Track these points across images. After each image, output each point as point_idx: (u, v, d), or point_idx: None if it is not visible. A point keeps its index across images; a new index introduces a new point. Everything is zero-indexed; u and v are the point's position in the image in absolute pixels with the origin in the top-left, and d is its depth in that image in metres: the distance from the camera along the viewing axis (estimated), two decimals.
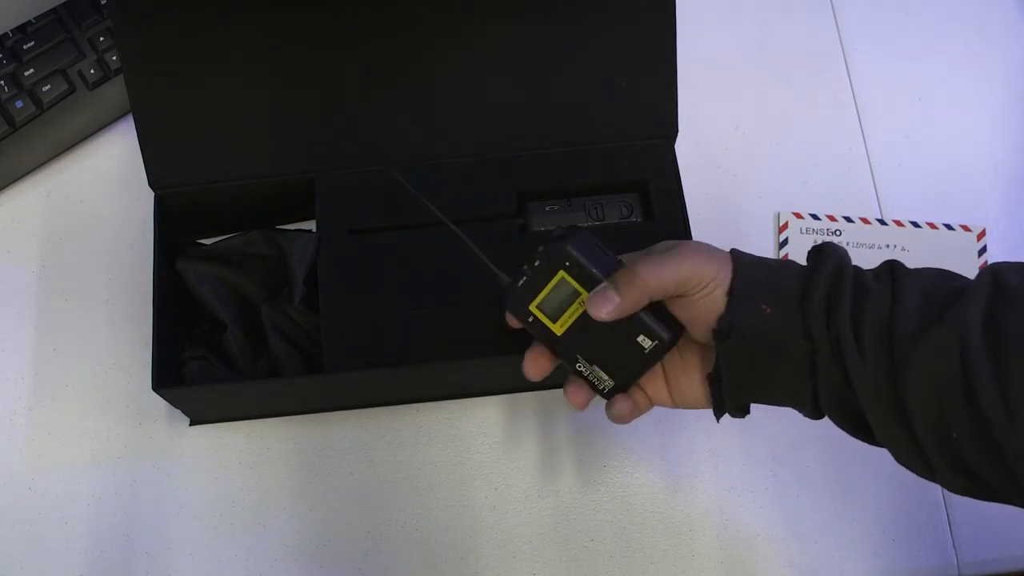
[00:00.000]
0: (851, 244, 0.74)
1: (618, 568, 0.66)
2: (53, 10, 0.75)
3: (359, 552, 0.66)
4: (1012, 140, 0.78)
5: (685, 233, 0.66)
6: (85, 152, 0.76)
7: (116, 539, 0.67)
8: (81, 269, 0.73)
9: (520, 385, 0.69)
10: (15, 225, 0.74)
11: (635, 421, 0.69)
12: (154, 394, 0.62)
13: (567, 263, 0.54)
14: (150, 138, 0.65)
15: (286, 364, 0.66)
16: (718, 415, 0.55)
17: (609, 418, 0.56)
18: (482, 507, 0.67)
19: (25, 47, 0.73)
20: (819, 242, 0.62)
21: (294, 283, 0.66)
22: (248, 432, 0.69)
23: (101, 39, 0.74)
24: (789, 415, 0.70)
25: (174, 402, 0.66)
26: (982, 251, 0.74)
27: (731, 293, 0.50)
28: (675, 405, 0.57)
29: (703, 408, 0.55)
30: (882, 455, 0.69)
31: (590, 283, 0.53)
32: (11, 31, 0.74)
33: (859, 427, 0.50)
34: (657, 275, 0.51)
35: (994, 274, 0.47)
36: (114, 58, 0.74)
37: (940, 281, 0.49)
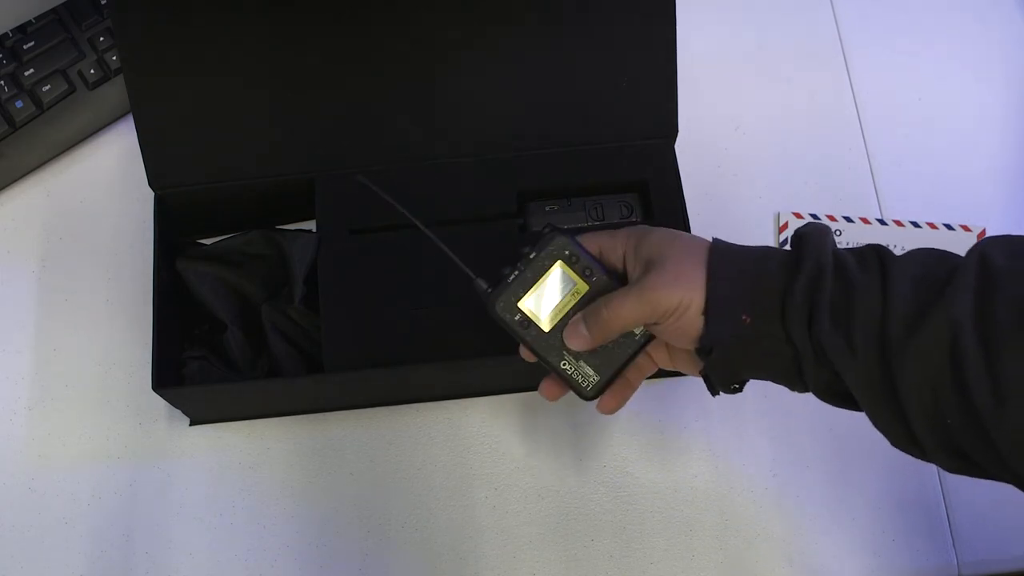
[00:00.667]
0: (851, 244, 0.74)
1: (618, 568, 0.66)
2: (53, 10, 0.75)
3: (359, 552, 0.66)
4: (1012, 140, 0.78)
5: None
6: (85, 152, 0.76)
7: (116, 539, 0.66)
8: (81, 269, 0.73)
9: (520, 385, 0.69)
10: (15, 225, 0.74)
11: (635, 421, 0.70)
12: (154, 394, 0.62)
13: (567, 252, 0.54)
14: (150, 138, 0.65)
15: (286, 364, 0.66)
16: (712, 394, 0.54)
17: (599, 411, 0.56)
18: (482, 507, 0.67)
19: (25, 47, 0.73)
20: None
21: (294, 283, 0.66)
22: (248, 432, 0.69)
23: (101, 39, 0.74)
24: (789, 416, 0.70)
25: (174, 402, 0.66)
26: None
27: (707, 313, 0.49)
28: (672, 367, 0.56)
29: (697, 376, 0.55)
30: (882, 455, 0.70)
31: (587, 273, 0.54)
32: (11, 31, 0.74)
33: (851, 404, 0.50)
34: (620, 316, 0.52)
35: (981, 256, 0.46)
36: (114, 58, 0.74)
37: (930, 264, 0.48)
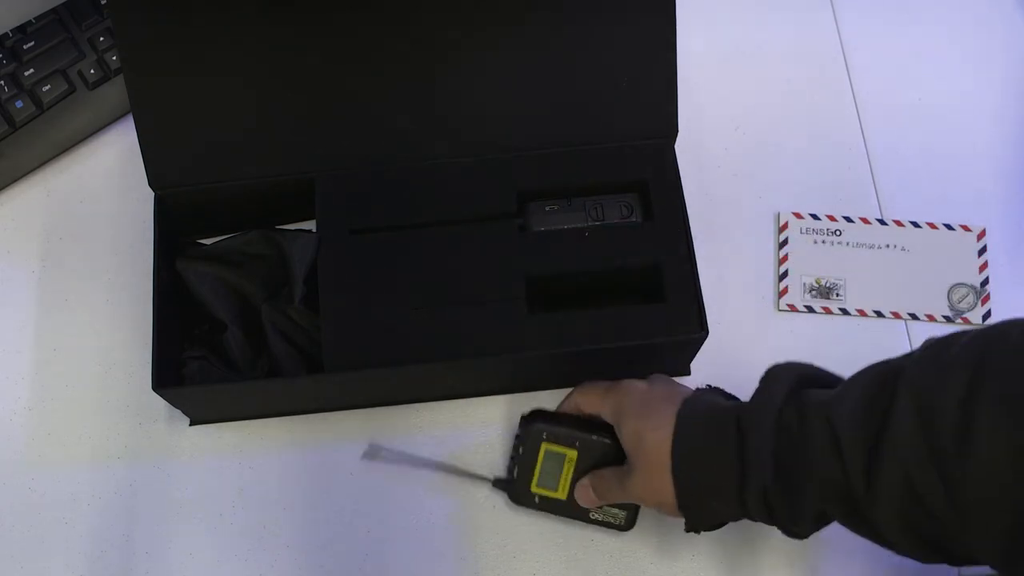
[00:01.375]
0: (851, 244, 0.74)
1: (618, 568, 0.66)
2: (53, 10, 0.75)
3: (359, 552, 0.66)
4: (1012, 140, 0.78)
5: (685, 233, 0.65)
6: (85, 152, 0.76)
7: (116, 539, 0.67)
8: (81, 269, 0.73)
9: (520, 385, 0.69)
10: (15, 225, 0.74)
11: None
12: (154, 394, 0.62)
13: (544, 435, 0.64)
14: (150, 138, 0.65)
15: (286, 364, 0.66)
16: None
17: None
18: (482, 507, 0.67)
19: (25, 47, 0.73)
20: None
21: (294, 283, 0.66)
22: (248, 432, 0.69)
23: (101, 39, 0.74)
24: None
25: (174, 402, 0.66)
26: (982, 251, 0.74)
27: (681, 507, 0.57)
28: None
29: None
30: None
31: (569, 441, 0.64)
32: (11, 31, 0.74)
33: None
34: (611, 499, 0.63)
35: (910, 388, 0.48)
36: (114, 58, 0.74)
37: (864, 409, 0.50)
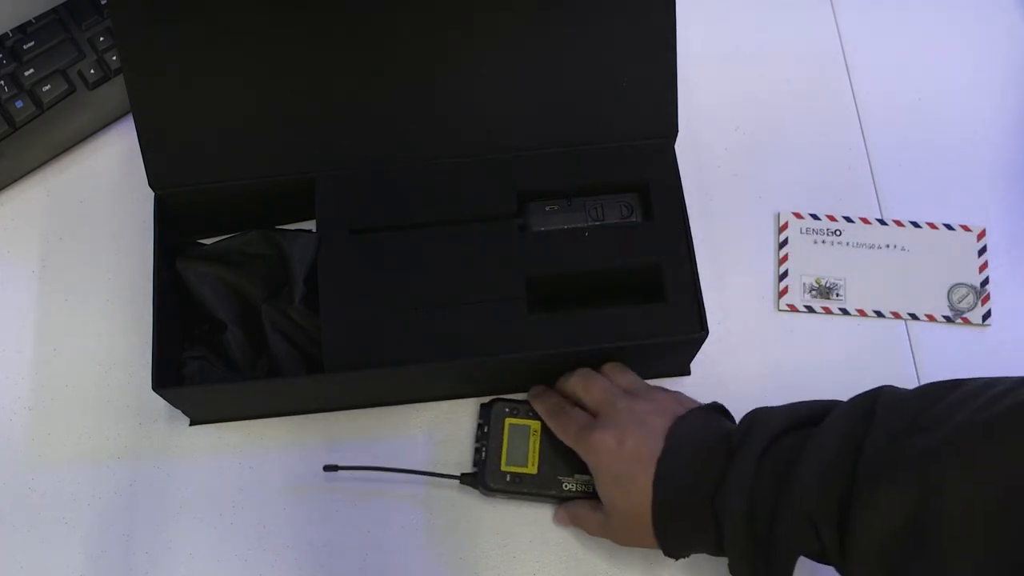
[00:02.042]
0: (851, 244, 0.74)
1: (618, 568, 0.66)
2: (53, 10, 0.75)
3: (359, 553, 0.66)
4: (1012, 140, 0.78)
5: (685, 233, 0.65)
6: (85, 152, 0.76)
7: (116, 539, 0.67)
8: (81, 269, 0.73)
9: (520, 385, 0.69)
10: (15, 225, 0.74)
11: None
12: (154, 394, 0.62)
13: (506, 409, 0.66)
14: (150, 138, 0.65)
15: (286, 364, 0.66)
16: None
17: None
18: (481, 508, 0.67)
19: (25, 47, 0.73)
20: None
21: (294, 283, 0.66)
22: (248, 432, 0.69)
23: (101, 39, 0.74)
24: None
25: (174, 402, 0.66)
26: (982, 251, 0.74)
27: (666, 555, 0.59)
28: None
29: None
30: None
31: (532, 413, 0.66)
32: (11, 31, 0.74)
33: None
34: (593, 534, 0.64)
35: (860, 452, 0.50)
36: (114, 58, 0.74)
37: (833, 470, 0.51)
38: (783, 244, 0.74)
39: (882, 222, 0.75)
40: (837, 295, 0.73)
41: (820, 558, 0.53)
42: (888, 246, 0.74)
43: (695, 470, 0.56)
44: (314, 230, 0.67)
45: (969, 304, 0.72)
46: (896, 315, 0.72)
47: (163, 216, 0.66)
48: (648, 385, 0.65)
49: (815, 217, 0.75)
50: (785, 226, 0.75)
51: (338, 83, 0.66)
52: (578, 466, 0.64)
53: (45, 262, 0.73)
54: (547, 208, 0.67)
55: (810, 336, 0.72)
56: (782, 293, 0.73)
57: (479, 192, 0.66)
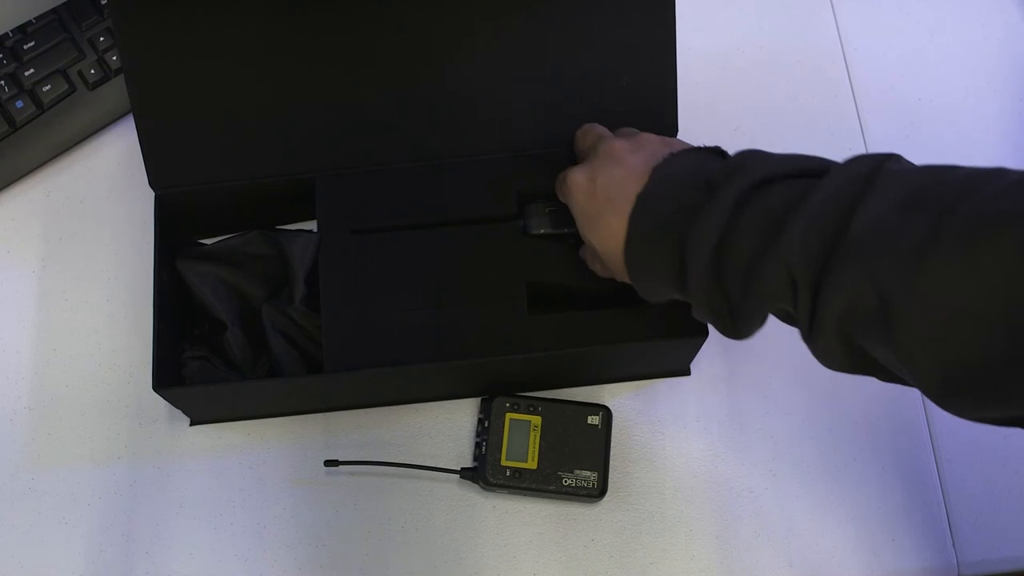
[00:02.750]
0: None
1: (618, 568, 0.66)
2: (53, 10, 0.75)
3: (359, 552, 0.66)
4: (1012, 141, 0.78)
5: None
6: (85, 152, 0.76)
7: (116, 539, 0.67)
8: (81, 269, 0.73)
9: (519, 385, 0.69)
10: (15, 225, 0.74)
11: (635, 421, 0.70)
12: (154, 394, 0.62)
13: (507, 404, 0.66)
14: (151, 138, 0.65)
15: (286, 364, 0.66)
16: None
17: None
18: (482, 507, 0.67)
19: (25, 47, 0.73)
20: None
21: (294, 283, 0.66)
22: (248, 432, 0.69)
23: (101, 39, 0.74)
24: (789, 416, 0.70)
25: (174, 402, 0.66)
26: None
27: (636, 289, 0.57)
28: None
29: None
30: (883, 456, 0.70)
31: (532, 408, 0.66)
32: (11, 31, 0.74)
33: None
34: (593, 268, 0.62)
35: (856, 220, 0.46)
36: (114, 58, 0.74)
37: (819, 235, 0.46)
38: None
39: None
40: None
41: (787, 319, 0.51)
42: None
43: (671, 207, 0.52)
44: (314, 230, 0.67)
45: None
46: None
47: (163, 216, 0.66)
48: (643, 133, 0.61)
49: None
50: None
51: (339, 83, 0.66)
52: (578, 461, 0.65)
53: (45, 262, 0.73)
54: (547, 209, 0.66)
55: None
56: None
57: (479, 192, 0.66)
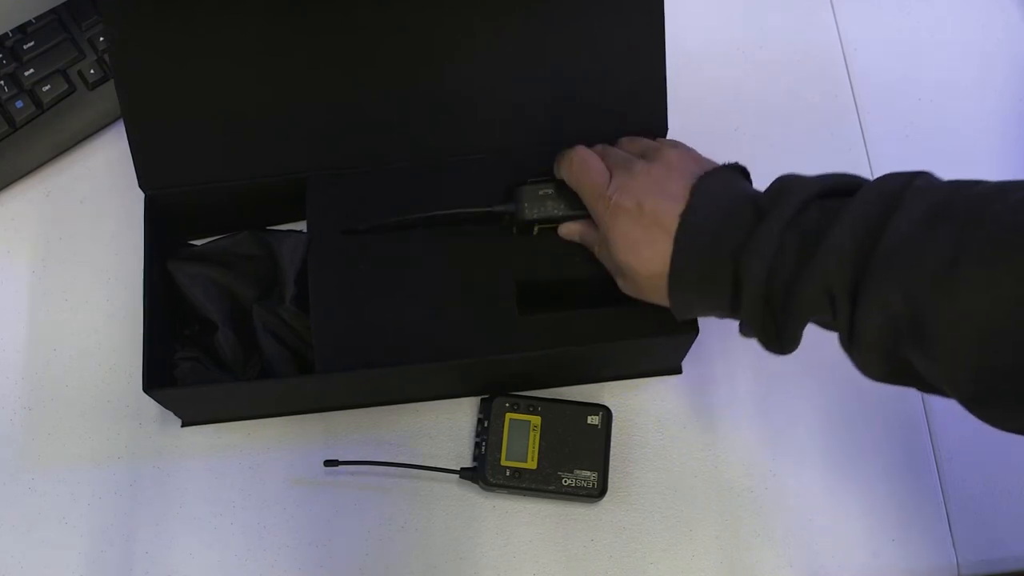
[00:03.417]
0: None
1: (618, 568, 0.66)
2: (53, 10, 0.75)
3: (359, 552, 0.66)
4: (1012, 141, 0.78)
5: None
6: (85, 152, 0.76)
7: (116, 539, 0.67)
8: (81, 269, 0.73)
9: (514, 385, 0.69)
10: (15, 225, 0.74)
11: (635, 420, 0.69)
12: None
13: (507, 404, 0.66)
14: (140, 139, 0.65)
15: (277, 364, 0.66)
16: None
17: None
18: (482, 507, 0.67)
19: (25, 47, 0.73)
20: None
21: (284, 283, 0.66)
22: (248, 432, 0.69)
23: (101, 39, 0.74)
24: (789, 416, 0.70)
25: (164, 403, 0.66)
26: None
27: (672, 306, 0.57)
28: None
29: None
30: (883, 455, 0.69)
31: (531, 408, 0.66)
32: (11, 31, 0.74)
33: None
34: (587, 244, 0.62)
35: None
36: None
37: (854, 251, 0.49)
38: None
39: None
40: None
41: (828, 327, 0.53)
42: None
43: (718, 228, 0.54)
44: (305, 230, 0.66)
45: None
46: None
47: (154, 217, 0.66)
48: (658, 144, 0.62)
49: None
50: None
51: (330, 82, 0.65)
52: (578, 461, 0.65)
53: (45, 262, 0.73)
54: (540, 192, 0.64)
55: (806, 336, 0.72)
56: None
57: (471, 192, 0.66)
